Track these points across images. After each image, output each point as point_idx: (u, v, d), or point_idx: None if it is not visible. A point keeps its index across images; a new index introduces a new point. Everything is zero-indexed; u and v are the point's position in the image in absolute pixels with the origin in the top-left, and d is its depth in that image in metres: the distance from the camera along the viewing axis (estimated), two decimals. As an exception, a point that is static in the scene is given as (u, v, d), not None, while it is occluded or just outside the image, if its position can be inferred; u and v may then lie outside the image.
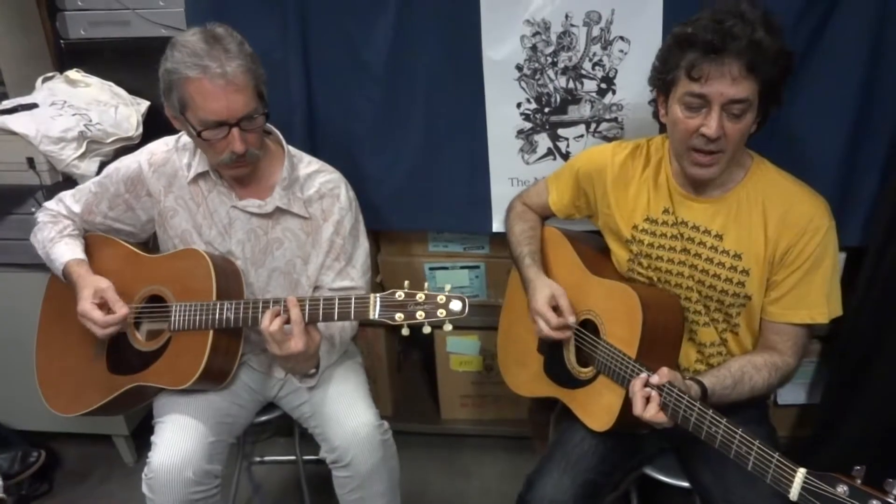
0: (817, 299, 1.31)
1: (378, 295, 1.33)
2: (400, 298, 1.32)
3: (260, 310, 1.43)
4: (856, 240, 1.77)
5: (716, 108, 1.20)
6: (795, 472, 1.03)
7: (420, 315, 1.31)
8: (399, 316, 1.32)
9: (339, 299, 1.37)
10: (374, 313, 1.33)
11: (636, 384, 1.23)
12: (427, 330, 1.33)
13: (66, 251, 1.55)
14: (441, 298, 1.31)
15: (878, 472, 1.02)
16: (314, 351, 1.45)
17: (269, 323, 1.37)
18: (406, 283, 1.34)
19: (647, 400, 1.21)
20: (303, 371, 1.54)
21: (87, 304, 1.48)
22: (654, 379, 1.21)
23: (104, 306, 1.50)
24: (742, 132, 1.23)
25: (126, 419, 2.18)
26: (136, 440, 2.26)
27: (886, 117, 1.66)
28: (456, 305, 1.30)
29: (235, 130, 1.39)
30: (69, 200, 1.61)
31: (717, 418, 1.13)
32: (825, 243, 1.29)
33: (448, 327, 1.32)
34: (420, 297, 1.31)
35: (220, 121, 1.38)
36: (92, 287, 1.50)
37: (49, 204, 1.63)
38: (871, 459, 1.73)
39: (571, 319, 1.43)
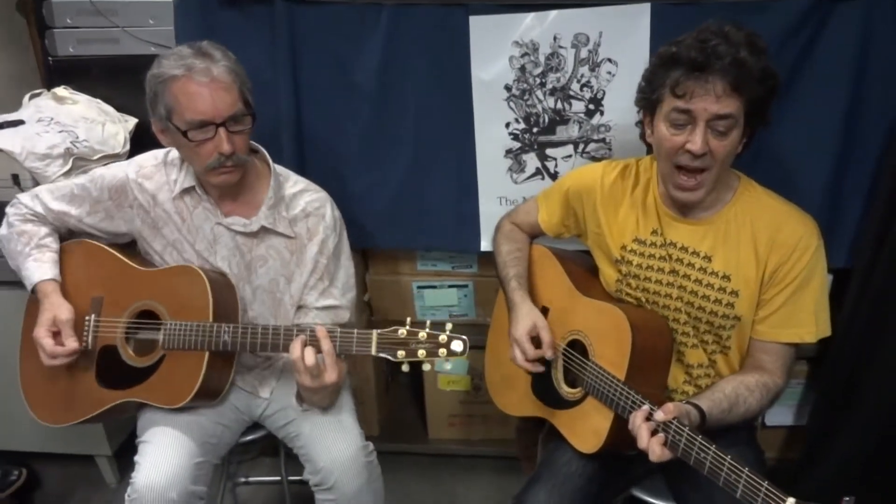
0: (806, 318, 1.31)
1: (380, 331, 1.34)
2: (402, 336, 1.33)
3: (258, 335, 1.42)
4: (842, 261, 1.78)
5: (700, 124, 1.21)
6: (784, 501, 1.02)
7: (421, 353, 1.33)
8: (401, 353, 1.33)
9: (342, 333, 1.37)
10: (376, 349, 1.34)
11: (637, 418, 1.21)
12: (427, 367, 1.35)
13: (35, 270, 1.53)
14: (443, 338, 1.32)
15: (866, 494, 1.01)
16: (342, 382, 1.45)
17: (302, 354, 1.36)
18: (408, 319, 1.35)
19: (652, 433, 1.19)
20: (327, 403, 1.54)
21: (41, 331, 1.47)
22: (659, 416, 1.17)
23: (59, 335, 1.49)
24: (728, 149, 1.23)
25: (109, 439, 2.15)
26: (119, 460, 2.23)
27: (872, 139, 1.68)
28: (457, 346, 1.32)
29: (222, 130, 1.39)
30: (46, 197, 1.57)
31: (706, 444, 1.12)
32: (814, 262, 1.30)
33: (448, 366, 1.33)
34: (422, 335, 1.33)
35: (205, 120, 1.38)
36: (51, 313, 1.48)
37: (24, 199, 1.58)
38: (859, 481, 1.75)
39: (549, 354, 1.43)
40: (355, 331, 1.36)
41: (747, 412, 1.28)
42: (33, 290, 1.53)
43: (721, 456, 1.10)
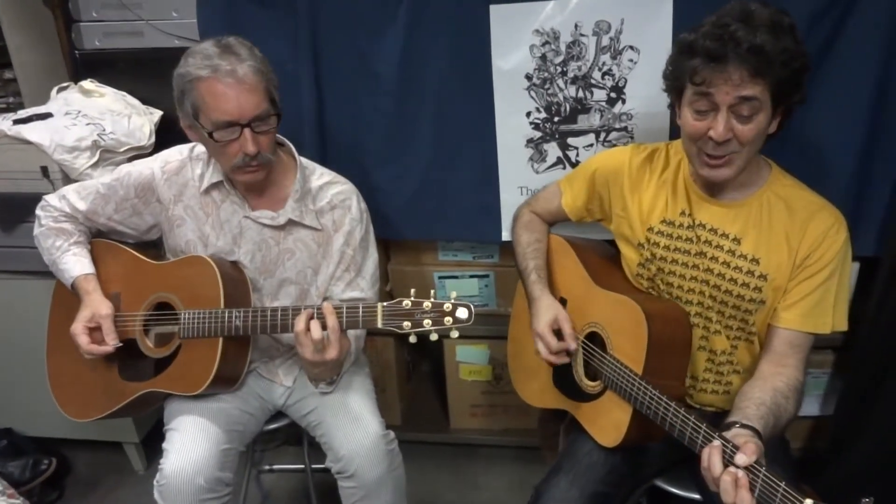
0: (826, 309, 1.29)
1: (385, 304, 1.34)
2: (407, 307, 1.32)
3: (268, 318, 1.43)
4: (870, 249, 1.75)
5: (723, 110, 1.18)
6: (802, 502, 0.98)
7: (427, 323, 1.32)
8: (406, 324, 1.32)
9: (347, 308, 1.37)
10: (381, 322, 1.34)
11: (716, 465, 1.05)
12: (434, 337, 1.34)
13: (75, 265, 1.56)
14: (447, 306, 1.31)
15: (894, 487, 0.99)
16: (344, 356, 1.46)
17: (306, 327, 1.36)
18: (412, 291, 1.34)
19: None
20: (327, 378, 1.55)
21: (79, 326, 1.50)
22: (742, 459, 1.03)
23: (97, 330, 1.51)
24: (755, 133, 1.20)
25: (136, 427, 2.19)
26: (147, 448, 2.28)
27: (901, 125, 1.64)
28: (462, 313, 1.31)
29: (247, 131, 1.40)
30: (73, 197, 1.59)
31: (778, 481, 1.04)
32: (843, 252, 1.28)
33: (454, 335, 1.32)
34: (427, 305, 1.32)
35: (231, 121, 1.38)
36: (91, 310, 1.51)
37: (52, 200, 1.60)
38: (886, 473, 1.73)
39: (573, 346, 1.43)
40: (360, 304, 1.36)
41: (788, 421, 1.24)
42: (73, 287, 1.56)
43: (775, 481, 1.01)
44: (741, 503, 1.02)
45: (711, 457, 1.07)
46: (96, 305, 1.52)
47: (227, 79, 1.36)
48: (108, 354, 1.56)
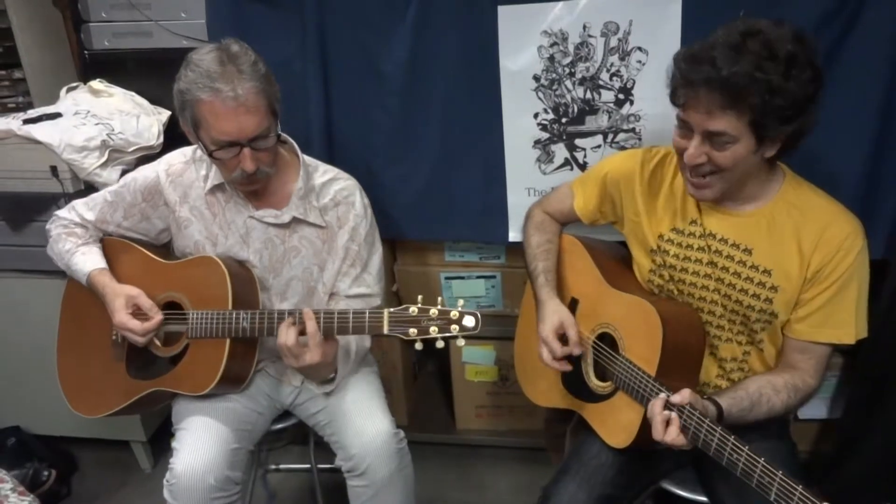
0: (846, 319, 1.27)
1: (391, 310, 1.34)
2: (413, 314, 1.32)
3: (276, 320, 1.44)
4: (879, 253, 1.73)
5: (696, 135, 1.19)
6: None
7: (433, 330, 1.31)
8: (412, 331, 1.32)
9: (354, 313, 1.38)
10: (388, 328, 1.34)
11: (656, 406, 1.20)
12: (440, 345, 1.34)
13: (86, 261, 1.57)
14: (454, 314, 1.31)
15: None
16: (331, 359, 1.46)
17: (285, 337, 1.38)
18: (420, 297, 1.34)
19: (668, 423, 1.18)
20: (320, 378, 1.56)
21: (123, 315, 1.50)
22: (676, 398, 1.18)
23: (137, 314, 1.52)
24: (732, 160, 1.19)
25: (144, 426, 2.20)
26: (154, 446, 2.29)
27: (910, 129, 1.63)
28: (469, 321, 1.31)
29: (247, 150, 1.40)
30: (82, 208, 1.61)
31: (739, 446, 1.10)
32: (858, 263, 1.26)
33: (461, 342, 1.32)
34: (433, 312, 1.32)
35: (231, 141, 1.39)
36: (123, 296, 1.52)
37: (61, 213, 1.63)
38: (891, 478, 1.72)
39: (577, 351, 1.43)
40: (367, 310, 1.37)
41: (770, 412, 1.25)
42: (89, 283, 1.56)
43: (755, 458, 1.07)
44: (669, 437, 1.16)
45: (654, 405, 1.20)
46: (125, 290, 1.53)
47: (229, 103, 1.35)
48: (116, 352, 1.57)
